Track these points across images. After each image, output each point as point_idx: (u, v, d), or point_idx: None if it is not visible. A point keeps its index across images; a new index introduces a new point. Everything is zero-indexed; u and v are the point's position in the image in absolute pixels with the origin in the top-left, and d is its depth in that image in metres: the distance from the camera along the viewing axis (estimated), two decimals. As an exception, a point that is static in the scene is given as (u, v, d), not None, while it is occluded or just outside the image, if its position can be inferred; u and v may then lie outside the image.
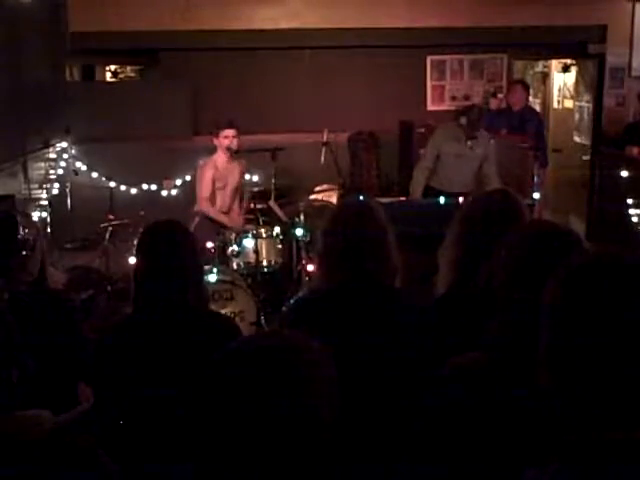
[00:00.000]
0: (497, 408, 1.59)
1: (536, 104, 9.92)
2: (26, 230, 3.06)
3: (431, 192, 5.72)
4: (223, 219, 5.61)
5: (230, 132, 5.54)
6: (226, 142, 5.53)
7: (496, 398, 1.59)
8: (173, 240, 2.47)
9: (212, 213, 5.59)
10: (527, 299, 1.54)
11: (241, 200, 5.84)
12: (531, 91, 8.45)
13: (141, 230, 5.05)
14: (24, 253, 2.95)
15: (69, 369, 2.79)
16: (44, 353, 2.59)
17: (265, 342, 1.28)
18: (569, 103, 9.20)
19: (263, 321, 4.93)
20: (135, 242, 5.04)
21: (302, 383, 1.21)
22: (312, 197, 5.92)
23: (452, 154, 5.72)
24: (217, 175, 5.61)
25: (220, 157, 5.63)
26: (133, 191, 6.87)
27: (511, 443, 1.53)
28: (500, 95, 7.96)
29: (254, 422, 1.17)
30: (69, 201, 6.82)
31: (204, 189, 5.58)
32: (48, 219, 6.15)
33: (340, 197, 5.90)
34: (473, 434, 1.59)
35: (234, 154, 5.62)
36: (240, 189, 5.83)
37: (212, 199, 5.64)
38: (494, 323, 1.70)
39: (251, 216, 5.73)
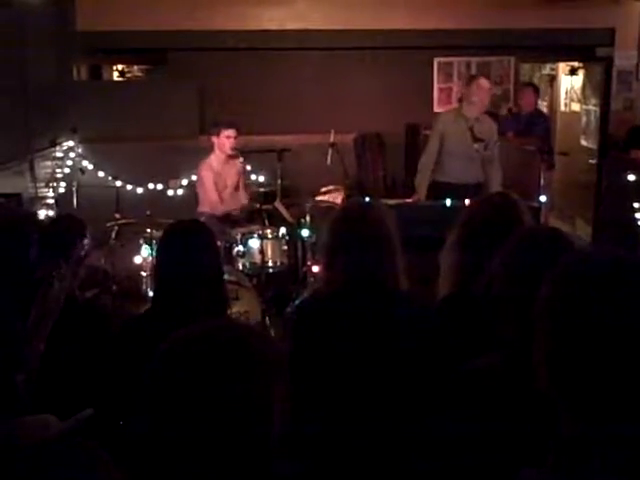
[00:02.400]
0: (512, 410, 1.58)
1: (543, 107, 9.89)
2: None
3: (438, 187, 5.61)
4: (231, 206, 5.70)
5: (232, 132, 5.58)
6: (227, 142, 5.57)
7: (512, 401, 1.59)
8: (196, 240, 2.50)
9: (220, 212, 5.63)
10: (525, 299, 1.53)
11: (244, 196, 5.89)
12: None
13: (148, 230, 5.03)
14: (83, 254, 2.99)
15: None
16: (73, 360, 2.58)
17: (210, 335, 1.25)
18: (576, 106, 9.18)
19: (268, 321, 4.93)
20: (141, 241, 5.09)
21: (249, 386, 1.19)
22: (318, 198, 5.91)
23: (456, 141, 5.57)
24: (214, 177, 5.65)
25: (217, 157, 5.66)
26: (139, 190, 6.87)
27: (515, 443, 1.53)
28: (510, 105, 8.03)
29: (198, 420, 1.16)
30: (75, 200, 6.82)
31: (209, 192, 5.63)
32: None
33: (346, 198, 5.89)
34: (487, 436, 1.59)
35: (231, 154, 5.67)
36: (240, 188, 5.86)
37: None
38: (507, 325, 1.70)
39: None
